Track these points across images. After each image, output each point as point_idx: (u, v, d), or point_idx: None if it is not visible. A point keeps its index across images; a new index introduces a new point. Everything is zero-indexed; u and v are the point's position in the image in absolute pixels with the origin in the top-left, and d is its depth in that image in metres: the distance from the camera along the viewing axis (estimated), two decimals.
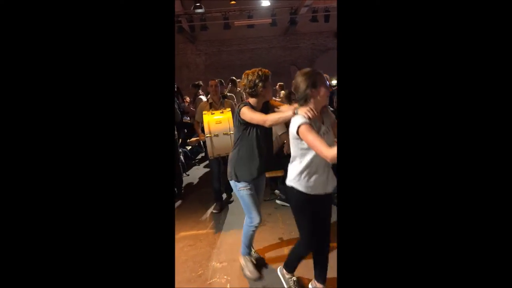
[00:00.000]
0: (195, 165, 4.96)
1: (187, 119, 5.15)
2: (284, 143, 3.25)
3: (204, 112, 2.83)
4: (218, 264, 2.28)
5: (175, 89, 5.37)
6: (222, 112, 2.79)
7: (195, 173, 4.53)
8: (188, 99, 6.30)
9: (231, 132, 2.63)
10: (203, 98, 4.77)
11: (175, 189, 3.63)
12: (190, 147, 4.98)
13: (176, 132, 3.57)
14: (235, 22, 8.51)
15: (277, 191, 3.39)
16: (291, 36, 10.27)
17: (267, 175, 3.37)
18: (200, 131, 3.08)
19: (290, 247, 2.42)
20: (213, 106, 3.04)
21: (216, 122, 2.69)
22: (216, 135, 2.65)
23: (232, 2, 6.66)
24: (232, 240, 2.58)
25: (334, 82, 5.86)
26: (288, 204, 3.18)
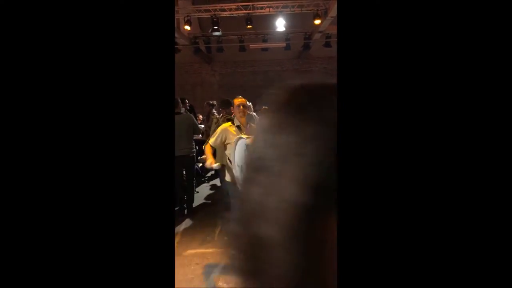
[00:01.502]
0: (205, 182, 4.98)
1: (199, 136, 5.24)
2: None
3: (247, 136, 2.24)
4: (225, 284, 2.24)
5: (189, 107, 5.51)
6: None
7: (204, 191, 4.54)
8: (201, 117, 6.43)
9: None
10: (217, 115, 4.86)
11: (185, 205, 3.64)
12: (201, 164, 5.03)
13: (194, 149, 3.62)
14: (250, 45, 8.79)
15: None
16: (304, 59, 10.50)
17: None
18: (212, 158, 2.60)
19: None
20: (241, 130, 2.53)
21: None
22: None
23: (248, 26, 6.93)
24: None
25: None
26: None
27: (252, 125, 2.71)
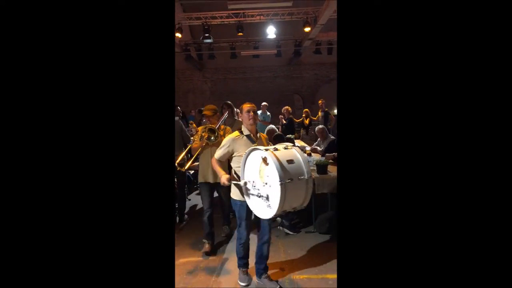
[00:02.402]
0: (197, 189, 4.94)
1: (190, 142, 5.21)
2: None
3: (265, 148, 1.88)
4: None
5: (181, 114, 5.48)
6: (286, 148, 1.97)
7: (196, 198, 4.50)
8: (194, 125, 6.41)
9: (307, 175, 1.87)
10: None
11: (177, 213, 3.59)
12: (192, 171, 4.99)
13: (185, 157, 3.58)
14: (242, 52, 8.85)
15: (278, 218, 3.36)
16: (295, 66, 10.61)
17: None
18: (225, 172, 2.16)
19: (293, 277, 2.36)
20: (252, 140, 2.17)
21: (288, 161, 1.85)
22: (291, 180, 1.80)
23: (239, 33, 6.98)
24: (232, 268, 2.52)
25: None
26: (291, 232, 3.13)
27: (263, 135, 2.35)
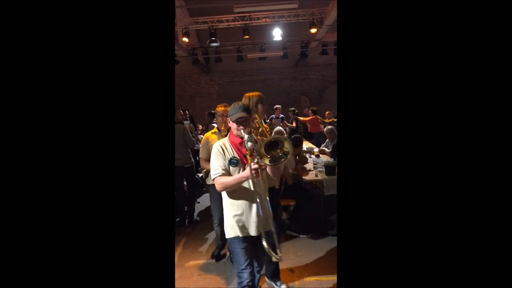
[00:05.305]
0: (206, 192, 4.96)
1: (198, 146, 5.24)
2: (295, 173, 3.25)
3: None
4: None
5: (189, 117, 5.54)
6: None
7: (205, 201, 4.53)
8: (201, 127, 6.46)
9: None
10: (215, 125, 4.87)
11: (187, 216, 3.62)
12: (201, 174, 5.02)
13: (193, 160, 3.60)
14: (248, 55, 8.89)
15: (287, 221, 3.35)
16: (301, 67, 10.59)
17: (283, 203, 3.32)
18: None
19: (303, 279, 2.35)
20: None
21: None
22: None
23: (245, 36, 7.02)
24: None
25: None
26: (300, 235, 3.11)
27: None
